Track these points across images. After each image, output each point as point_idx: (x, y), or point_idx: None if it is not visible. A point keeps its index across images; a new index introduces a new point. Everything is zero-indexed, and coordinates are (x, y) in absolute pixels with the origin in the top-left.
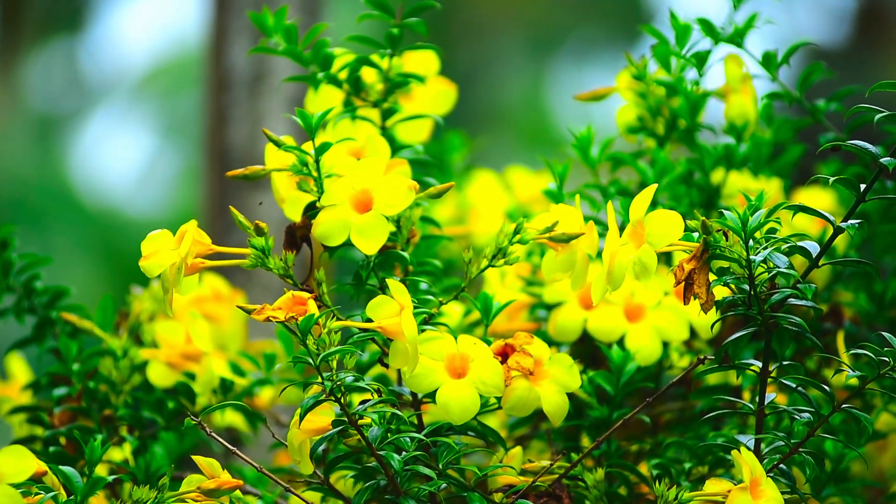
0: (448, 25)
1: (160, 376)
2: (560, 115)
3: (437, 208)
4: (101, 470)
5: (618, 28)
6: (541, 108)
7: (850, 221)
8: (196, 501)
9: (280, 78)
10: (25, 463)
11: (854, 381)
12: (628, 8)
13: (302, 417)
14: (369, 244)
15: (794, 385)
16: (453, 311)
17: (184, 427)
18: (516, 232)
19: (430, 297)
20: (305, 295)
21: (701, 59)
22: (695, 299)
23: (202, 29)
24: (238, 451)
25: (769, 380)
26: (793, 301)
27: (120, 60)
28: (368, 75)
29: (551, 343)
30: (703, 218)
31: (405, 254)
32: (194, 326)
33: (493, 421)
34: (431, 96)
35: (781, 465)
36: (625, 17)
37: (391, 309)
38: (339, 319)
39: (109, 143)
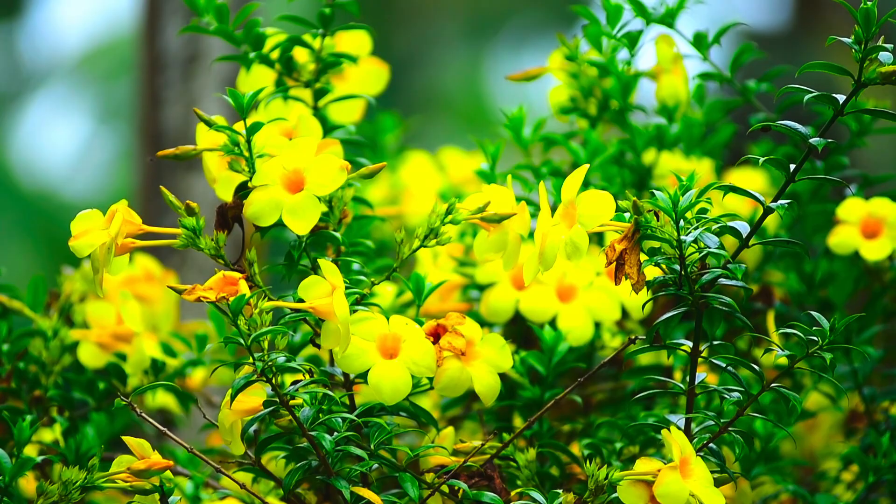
0: (387, 9)
1: (91, 357)
2: (498, 99)
3: (370, 189)
4: (30, 451)
5: (556, 12)
6: (479, 91)
7: (780, 202)
8: (126, 482)
9: (214, 59)
10: None
11: (783, 361)
12: None
13: (233, 398)
14: (301, 224)
15: (724, 365)
16: (386, 292)
17: (114, 408)
18: (448, 212)
19: (363, 277)
20: (237, 275)
21: (632, 40)
22: (626, 280)
23: (136, 11)
24: (169, 432)
25: (700, 360)
26: (723, 281)
27: (56, 44)
28: (301, 55)
29: (483, 323)
30: (635, 198)
31: (337, 234)
32: (125, 307)
33: (425, 401)
34: (364, 76)
35: (711, 445)
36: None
37: (323, 289)
38: (270, 300)
39: (46, 127)
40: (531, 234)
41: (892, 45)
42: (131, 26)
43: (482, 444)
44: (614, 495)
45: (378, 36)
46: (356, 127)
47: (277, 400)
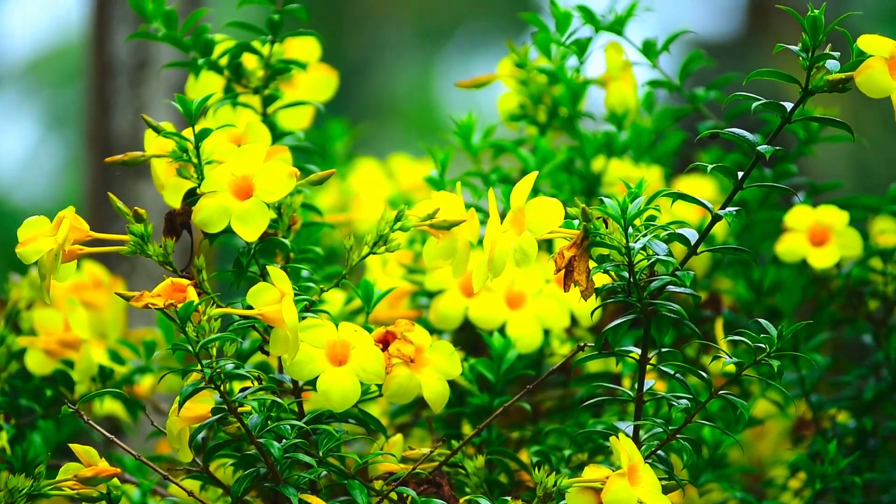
0: (339, 16)
1: (38, 364)
2: (448, 106)
3: (319, 196)
4: None
5: (508, 19)
6: (429, 98)
7: (728, 209)
8: (73, 490)
9: (162, 65)
10: None
11: (731, 368)
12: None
13: (181, 405)
14: (250, 231)
15: (672, 372)
16: (335, 299)
17: (61, 415)
18: (397, 219)
19: (312, 284)
20: (185, 282)
21: (581, 47)
22: (575, 287)
23: (84, 17)
24: (116, 440)
25: (648, 367)
26: (672, 288)
27: (4, 50)
28: (249, 62)
29: (433, 331)
30: (584, 205)
31: (286, 241)
32: (73, 314)
33: (374, 408)
34: (313, 83)
35: (659, 452)
36: (515, 9)
37: (272, 296)
38: (219, 306)
39: None
40: (480, 241)
41: (839, 53)
42: (80, 32)
43: (431, 452)
44: (563, 502)
45: (328, 42)
46: (305, 134)
47: (226, 407)
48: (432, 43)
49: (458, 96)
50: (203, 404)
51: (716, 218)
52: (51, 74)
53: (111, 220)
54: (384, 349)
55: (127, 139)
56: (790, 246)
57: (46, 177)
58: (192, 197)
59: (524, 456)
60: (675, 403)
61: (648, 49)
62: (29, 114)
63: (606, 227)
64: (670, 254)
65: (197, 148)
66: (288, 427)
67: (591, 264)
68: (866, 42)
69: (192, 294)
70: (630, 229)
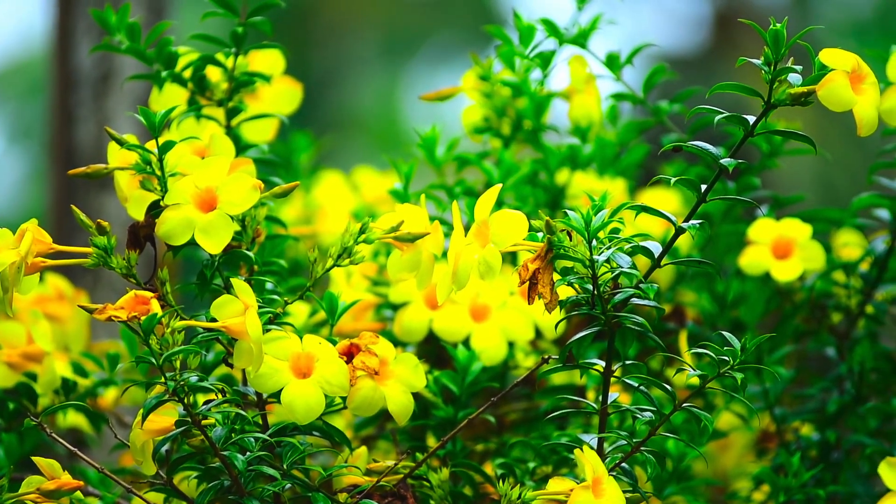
0: (304, 29)
1: (1, 377)
2: (414, 119)
3: (283, 208)
4: None
5: (474, 33)
6: (395, 111)
7: (692, 222)
8: (36, 503)
9: (126, 77)
10: None
11: (695, 381)
12: (483, 13)
13: (144, 418)
14: (213, 243)
15: (636, 384)
16: (299, 311)
17: (24, 428)
18: (361, 231)
19: (276, 296)
20: (148, 294)
21: (545, 60)
22: (539, 299)
23: (47, 29)
24: (79, 453)
25: (613, 379)
26: (636, 301)
27: None
28: (214, 74)
29: (397, 343)
30: (547, 218)
31: (250, 253)
32: (36, 326)
33: (338, 421)
34: (277, 96)
35: (624, 464)
36: (480, 23)
37: (236, 308)
38: (182, 319)
39: None
40: (445, 254)
41: (801, 67)
42: (43, 45)
43: (395, 464)
44: None
45: (294, 55)
46: (270, 146)
47: (189, 420)
48: (397, 56)
49: (424, 109)
50: (167, 417)
51: (679, 231)
52: (14, 87)
53: (75, 231)
54: (348, 361)
55: (90, 151)
56: (754, 259)
57: (8, 189)
58: (155, 209)
59: (489, 468)
60: (639, 416)
61: (612, 62)
62: None
63: (570, 240)
64: (634, 266)
65: (160, 160)
66: (252, 440)
67: (556, 277)
68: (828, 56)
69: (155, 307)
70: (594, 242)
